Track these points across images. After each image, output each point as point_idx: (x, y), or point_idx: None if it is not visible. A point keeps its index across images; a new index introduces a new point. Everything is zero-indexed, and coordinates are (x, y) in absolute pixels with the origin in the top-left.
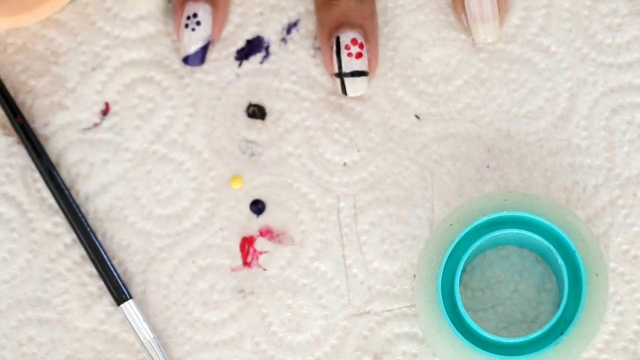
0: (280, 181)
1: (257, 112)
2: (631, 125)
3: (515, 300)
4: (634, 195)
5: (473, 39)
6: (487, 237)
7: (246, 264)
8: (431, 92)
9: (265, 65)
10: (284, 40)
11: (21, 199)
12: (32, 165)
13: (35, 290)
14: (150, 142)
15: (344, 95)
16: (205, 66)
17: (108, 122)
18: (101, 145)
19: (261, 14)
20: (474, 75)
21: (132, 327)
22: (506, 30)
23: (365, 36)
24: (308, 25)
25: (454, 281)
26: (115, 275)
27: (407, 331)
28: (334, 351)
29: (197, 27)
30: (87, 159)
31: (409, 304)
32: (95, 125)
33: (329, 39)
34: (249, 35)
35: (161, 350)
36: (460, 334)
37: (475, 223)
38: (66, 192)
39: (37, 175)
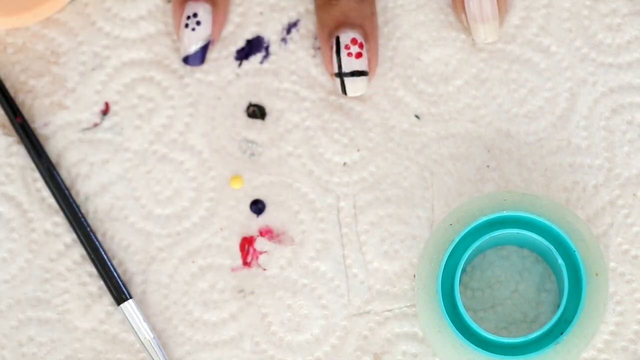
0: (280, 181)
1: (257, 112)
2: (631, 125)
3: (515, 300)
4: (634, 195)
5: (473, 39)
6: (487, 237)
7: (246, 263)
8: (431, 92)
9: (265, 65)
10: (284, 40)
11: (21, 198)
12: (32, 165)
13: (35, 290)
14: (150, 142)
15: (343, 95)
16: (205, 66)
17: (108, 122)
18: (101, 145)
19: (261, 14)
20: (474, 75)
21: (132, 327)
22: (506, 30)
23: (365, 36)
24: (308, 25)
25: (454, 281)
26: (115, 275)
27: (407, 331)
28: (334, 351)
29: (197, 27)
30: (87, 159)
31: (409, 304)
32: (95, 125)
33: (329, 39)
34: (249, 35)
35: (161, 350)
36: (460, 334)
37: (475, 223)
38: (66, 192)
39: (37, 175)
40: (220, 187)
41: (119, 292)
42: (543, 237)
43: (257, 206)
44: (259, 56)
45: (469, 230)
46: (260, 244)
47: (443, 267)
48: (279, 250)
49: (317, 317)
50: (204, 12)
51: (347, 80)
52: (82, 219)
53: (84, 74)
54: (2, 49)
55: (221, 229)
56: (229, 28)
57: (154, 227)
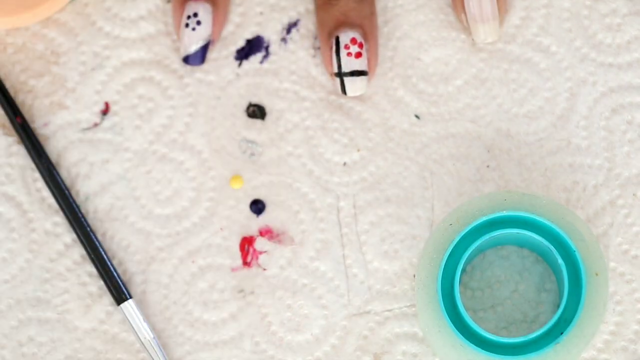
0: (280, 181)
1: (257, 112)
2: (631, 125)
3: (515, 300)
4: (634, 195)
5: (473, 39)
6: (487, 237)
7: (246, 263)
8: (431, 92)
9: (265, 65)
10: (284, 40)
11: (21, 198)
12: (32, 165)
13: (35, 290)
14: (150, 142)
15: (343, 95)
16: (205, 66)
17: (108, 122)
18: (101, 145)
19: (261, 13)
20: (474, 75)
21: (132, 327)
22: (506, 30)
23: (365, 36)
24: (308, 25)
25: (454, 281)
26: (115, 275)
27: (407, 331)
28: (334, 351)
29: (197, 27)
30: (87, 159)
31: (409, 304)
32: (95, 125)
33: (329, 39)
34: (249, 35)
35: (161, 350)
36: (460, 334)
37: (475, 223)
38: (66, 192)
39: (37, 175)
40: (220, 187)
41: (119, 292)
42: (543, 237)
43: (257, 206)
44: (259, 56)
45: (469, 230)
46: (260, 244)
47: (443, 267)
48: (279, 250)
49: (317, 317)
50: (204, 12)
51: (346, 80)
52: (82, 219)
53: (84, 74)
54: (2, 49)
55: (221, 228)
56: (229, 28)
57: (154, 227)
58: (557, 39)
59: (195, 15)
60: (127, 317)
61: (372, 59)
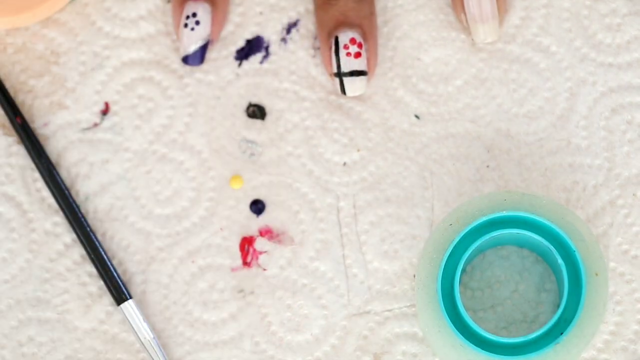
0: (280, 181)
1: (257, 112)
2: (631, 125)
3: (515, 300)
4: (634, 195)
5: (473, 39)
6: (487, 237)
7: (246, 263)
8: (431, 92)
9: (265, 65)
10: (283, 40)
11: (21, 199)
12: (32, 165)
13: (35, 290)
14: (150, 142)
15: (343, 95)
16: (204, 66)
17: (108, 122)
18: (101, 145)
19: (261, 13)
20: (474, 75)
21: (132, 327)
22: (506, 30)
23: (364, 36)
24: (308, 25)
25: (454, 281)
26: (115, 275)
27: (407, 331)
28: (333, 351)
29: (196, 27)
30: (87, 159)
31: (409, 304)
32: (95, 125)
33: (328, 39)
34: (249, 35)
35: (161, 350)
36: (460, 334)
37: (475, 223)
38: (66, 192)
39: (37, 175)
40: (220, 187)
41: (119, 292)
42: (543, 237)
43: (257, 206)
44: (258, 56)
45: (469, 230)
46: (260, 244)
47: (443, 267)
48: (279, 250)
49: (317, 317)
50: (203, 12)
51: (346, 80)
52: (82, 219)
53: (84, 74)
54: (2, 49)
55: (221, 229)
56: (228, 28)
57: (154, 227)
58: (557, 39)
59: (194, 15)
60: (127, 317)
61: (372, 59)
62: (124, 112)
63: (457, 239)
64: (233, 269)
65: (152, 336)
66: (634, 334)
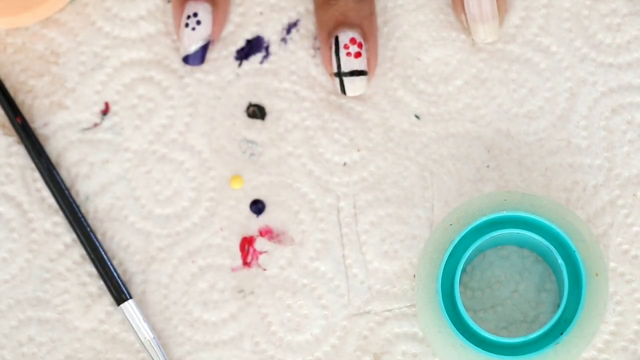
0: (280, 181)
1: (257, 112)
2: (631, 125)
3: (515, 300)
4: (634, 195)
5: (473, 39)
6: (487, 237)
7: (246, 264)
8: (431, 92)
9: (265, 65)
10: (283, 40)
11: (21, 198)
12: (32, 165)
13: (35, 290)
14: (150, 142)
15: (343, 95)
16: (205, 66)
17: (108, 122)
18: (101, 145)
19: (261, 13)
20: (474, 75)
21: (132, 327)
22: (506, 30)
23: (364, 35)
24: (308, 25)
25: (454, 281)
26: (115, 275)
27: (407, 331)
28: (334, 351)
29: (197, 27)
30: (87, 159)
31: (409, 304)
32: (95, 125)
33: (328, 39)
34: (249, 35)
35: (161, 350)
36: (460, 334)
37: (475, 223)
38: (66, 192)
39: (37, 175)
40: (220, 187)
41: (119, 292)
42: (543, 237)
43: (257, 206)
44: (259, 56)
45: (469, 230)
46: (260, 244)
47: (443, 267)
48: (279, 250)
49: (317, 317)
50: (204, 12)
51: (346, 79)
52: (82, 219)
53: (83, 74)
54: (2, 49)
55: (221, 229)
56: (229, 28)
57: (154, 227)
58: (557, 39)
59: (195, 15)
60: (127, 317)
61: (372, 59)
62: (124, 112)
63: (457, 239)
64: (233, 269)
65: (152, 336)
66: (634, 334)
